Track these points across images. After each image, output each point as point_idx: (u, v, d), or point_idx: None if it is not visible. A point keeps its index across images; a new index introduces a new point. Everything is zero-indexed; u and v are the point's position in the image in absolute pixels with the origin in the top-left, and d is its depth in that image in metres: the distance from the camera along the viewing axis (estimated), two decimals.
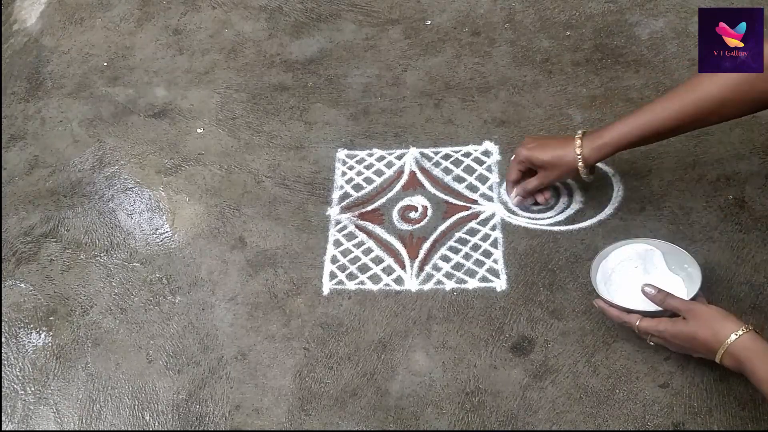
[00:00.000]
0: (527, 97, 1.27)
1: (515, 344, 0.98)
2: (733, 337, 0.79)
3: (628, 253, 0.97)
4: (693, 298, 0.88)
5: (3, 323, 1.13)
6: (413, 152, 1.23)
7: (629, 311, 0.90)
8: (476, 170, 1.19)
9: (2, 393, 1.05)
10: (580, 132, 0.99)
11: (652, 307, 0.89)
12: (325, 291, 1.08)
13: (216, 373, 1.03)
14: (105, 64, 1.51)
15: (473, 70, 1.34)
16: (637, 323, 0.88)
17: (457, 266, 1.07)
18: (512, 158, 1.08)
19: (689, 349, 0.86)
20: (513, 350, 0.98)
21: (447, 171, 1.20)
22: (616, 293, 0.94)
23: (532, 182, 1.06)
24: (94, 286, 1.15)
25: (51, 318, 1.13)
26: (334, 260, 1.12)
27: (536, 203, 1.11)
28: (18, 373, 1.08)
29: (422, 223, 1.14)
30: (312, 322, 1.05)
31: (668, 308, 0.87)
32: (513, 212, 1.12)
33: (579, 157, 0.98)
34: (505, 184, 1.14)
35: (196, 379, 1.03)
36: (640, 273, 0.96)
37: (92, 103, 1.44)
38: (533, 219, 1.11)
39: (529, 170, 1.06)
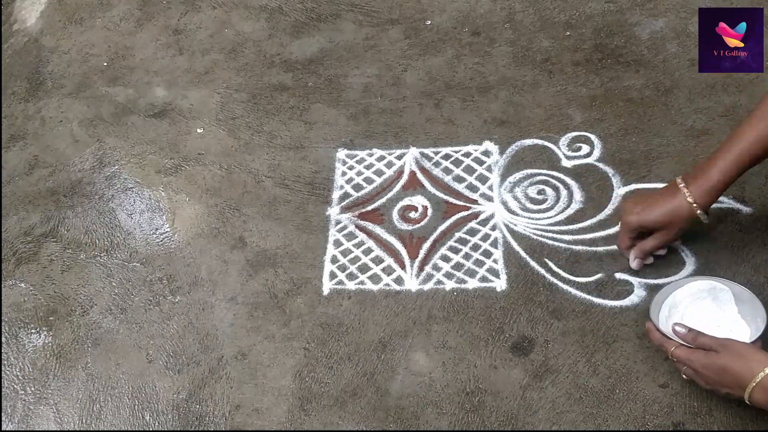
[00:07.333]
0: (527, 97, 1.27)
1: (515, 344, 0.98)
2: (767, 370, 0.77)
3: (703, 287, 0.94)
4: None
5: (3, 323, 1.13)
6: (413, 152, 1.23)
7: (668, 338, 0.88)
8: (476, 170, 1.19)
9: (2, 393, 1.05)
10: (678, 179, 0.93)
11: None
12: (325, 291, 1.08)
13: (216, 373, 1.03)
14: (105, 64, 1.51)
15: (473, 70, 1.34)
16: (672, 349, 0.86)
17: (457, 266, 1.07)
18: (620, 227, 1.01)
19: (718, 383, 0.82)
20: (513, 350, 0.98)
21: (447, 171, 1.20)
22: (680, 320, 0.91)
23: (649, 243, 0.98)
24: (94, 286, 1.15)
25: (51, 318, 1.13)
26: (334, 260, 1.12)
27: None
28: (18, 373, 1.08)
29: (422, 223, 1.14)
30: (312, 322, 1.05)
31: (700, 347, 0.84)
32: (513, 212, 1.12)
33: (695, 205, 0.92)
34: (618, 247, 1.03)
35: (196, 379, 1.03)
36: (711, 310, 0.93)
37: (92, 103, 1.44)
38: (533, 219, 1.11)
39: (640, 233, 0.99)
